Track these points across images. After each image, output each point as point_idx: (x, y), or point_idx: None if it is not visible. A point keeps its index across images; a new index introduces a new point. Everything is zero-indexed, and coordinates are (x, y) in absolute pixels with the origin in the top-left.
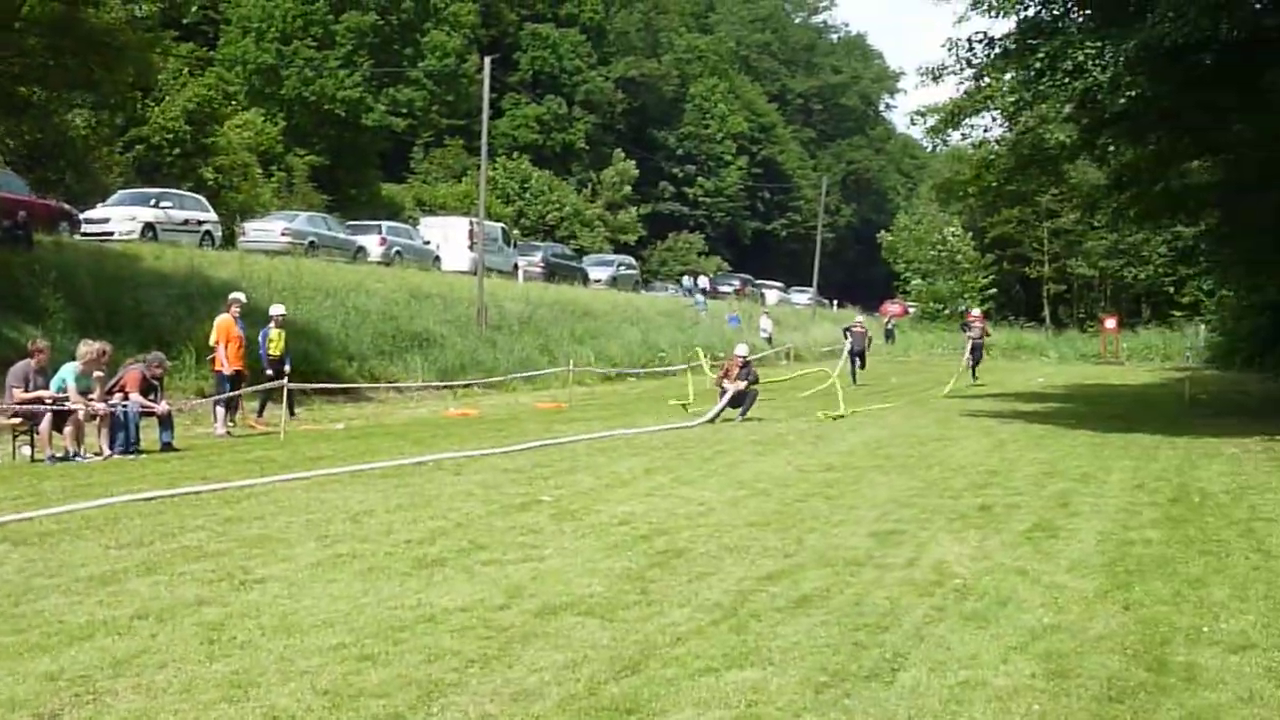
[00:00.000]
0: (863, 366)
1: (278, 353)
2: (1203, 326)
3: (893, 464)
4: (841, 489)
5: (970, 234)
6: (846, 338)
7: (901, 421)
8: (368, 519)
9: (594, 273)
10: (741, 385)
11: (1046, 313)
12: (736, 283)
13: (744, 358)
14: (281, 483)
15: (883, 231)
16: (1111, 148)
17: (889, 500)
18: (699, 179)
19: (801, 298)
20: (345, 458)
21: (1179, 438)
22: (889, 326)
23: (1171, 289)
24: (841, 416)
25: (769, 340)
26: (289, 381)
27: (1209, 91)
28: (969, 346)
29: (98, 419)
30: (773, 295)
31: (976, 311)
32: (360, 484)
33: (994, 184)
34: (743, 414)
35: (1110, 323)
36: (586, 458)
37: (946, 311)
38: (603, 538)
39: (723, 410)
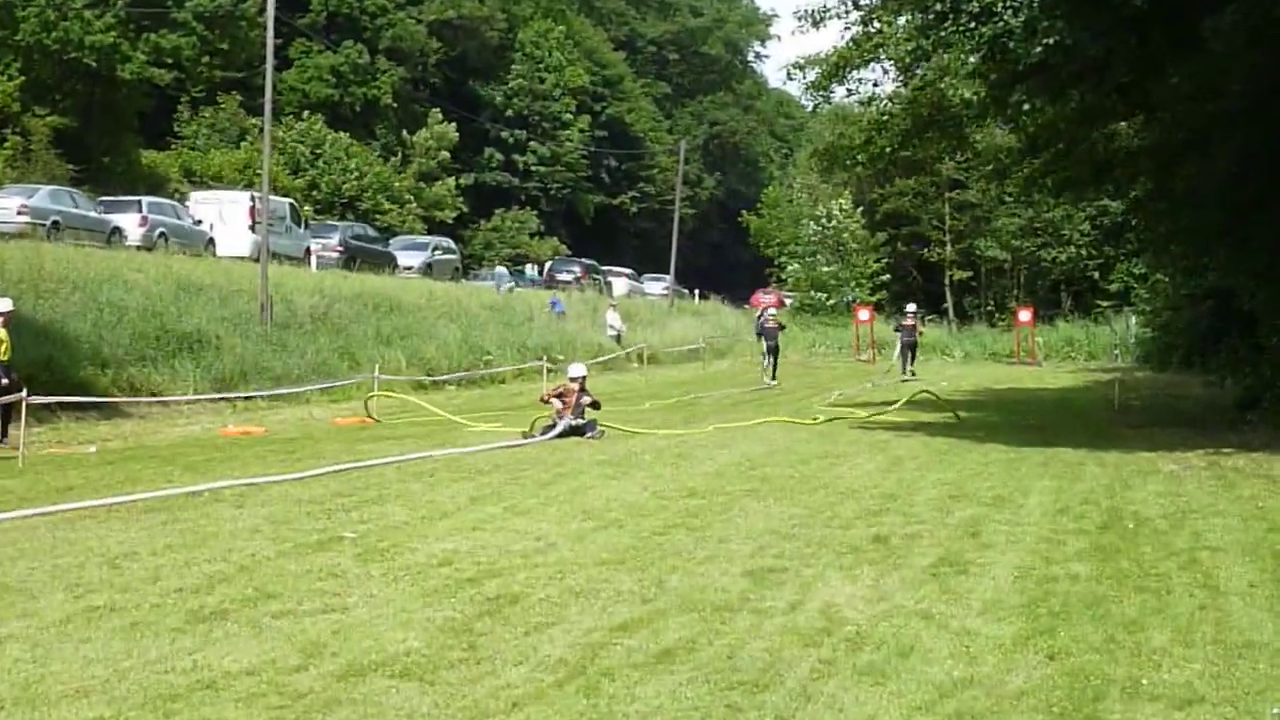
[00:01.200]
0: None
1: (5, 358)
2: (1133, 318)
3: (769, 487)
4: (709, 518)
5: (860, 209)
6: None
7: (780, 436)
8: (129, 563)
9: (403, 258)
10: (579, 422)
11: (949, 303)
12: (577, 269)
13: (581, 378)
14: (20, 520)
15: (745, 213)
16: (1026, 106)
17: (766, 531)
18: (531, 144)
19: (656, 287)
20: (100, 488)
21: (1108, 452)
22: (763, 322)
23: (1096, 274)
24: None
25: (618, 339)
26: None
27: (1140, 39)
28: (899, 344)
29: None
30: (621, 285)
31: (911, 307)
32: (119, 520)
33: (887, 149)
34: (593, 436)
35: (1025, 315)
36: (398, 484)
37: (831, 302)
38: (419, 582)
39: (559, 434)
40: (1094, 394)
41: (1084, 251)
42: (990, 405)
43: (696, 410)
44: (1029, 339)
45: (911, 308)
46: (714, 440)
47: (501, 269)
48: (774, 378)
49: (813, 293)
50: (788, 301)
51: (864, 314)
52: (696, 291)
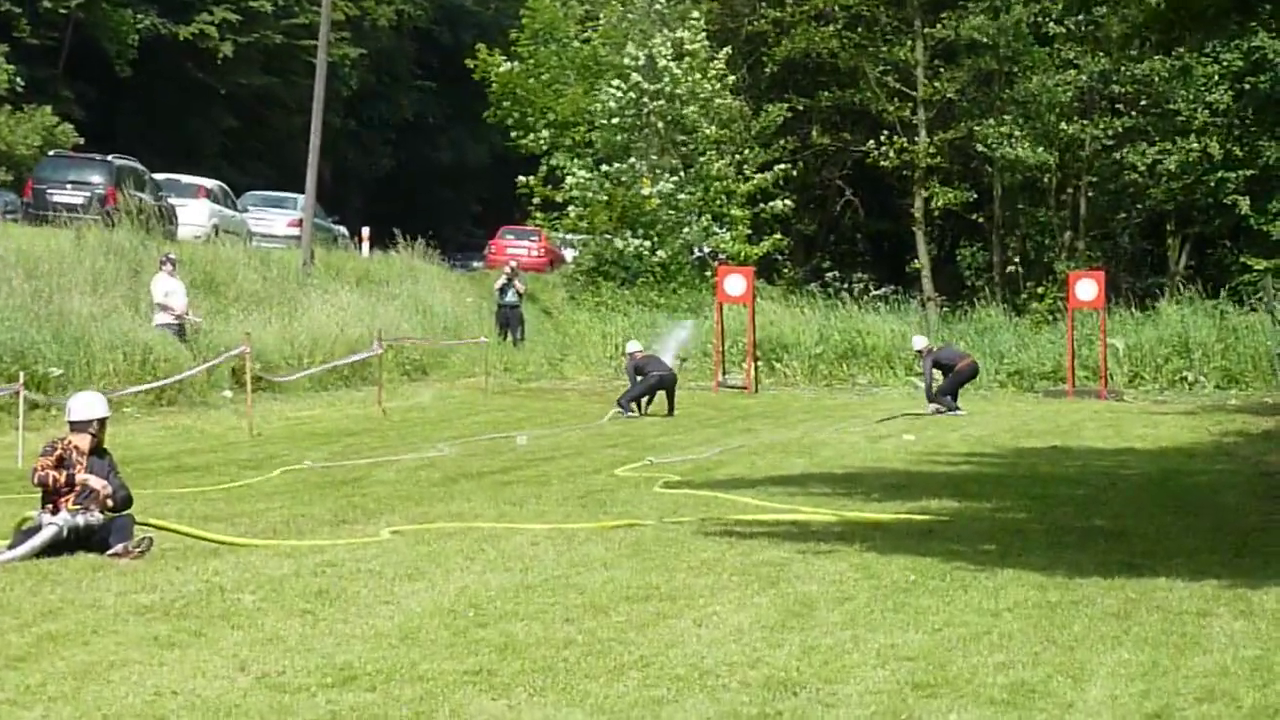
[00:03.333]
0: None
1: None
2: None
3: (519, 667)
4: None
5: (727, 53)
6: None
7: (550, 550)
8: None
9: None
10: (94, 519)
11: (923, 263)
12: (97, 178)
13: (93, 424)
14: None
15: (482, 51)
16: None
17: None
18: None
19: (277, 221)
20: None
21: (1259, 591)
22: (503, 292)
23: (1243, 202)
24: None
25: (181, 333)
26: None
27: None
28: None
29: None
30: (197, 212)
31: (922, 340)
32: None
33: None
34: (129, 548)
35: (1087, 289)
36: None
37: (662, 258)
38: None
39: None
40: (1229, 462)
41: (1217, 152)
42: (1010, 485)
43: (363, 491)
44: (1096, 343)
45: (920, 341)
46: (397, 560)
47: None
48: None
49: (623, 239)
50: (568, 257)
51: (737, 284)
52: (366, 233)
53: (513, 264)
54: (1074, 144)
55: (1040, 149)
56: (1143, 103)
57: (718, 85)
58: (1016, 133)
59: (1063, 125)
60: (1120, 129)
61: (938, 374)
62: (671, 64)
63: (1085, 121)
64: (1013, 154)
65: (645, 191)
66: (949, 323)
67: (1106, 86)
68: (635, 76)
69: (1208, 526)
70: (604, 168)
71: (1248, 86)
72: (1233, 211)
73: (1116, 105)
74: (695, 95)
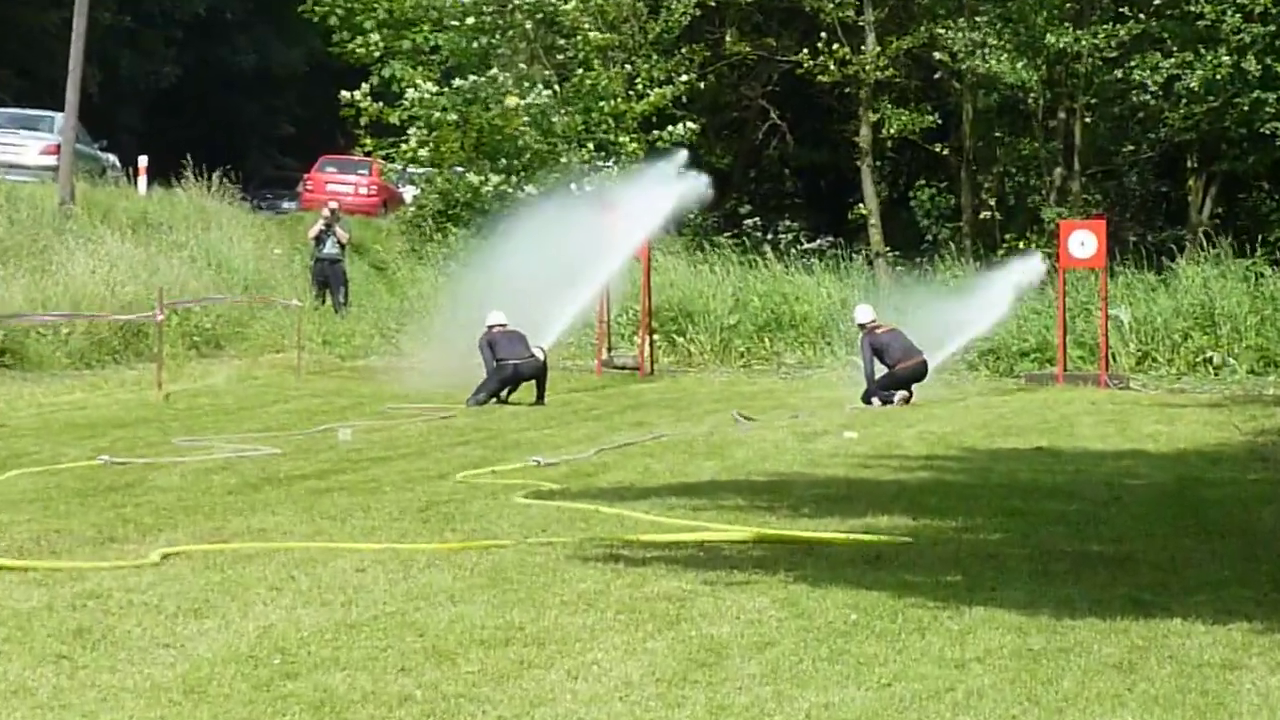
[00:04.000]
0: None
1: None
2: None
3: None
4: None
5: None
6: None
7: (384, 583)
8: None
9: None
10: None
11: (871, 209)
12: None
13: None
14: None
15: None
16: None
17: None
18: None
19: (30, 148)
20: None
21: None
22: (320, 242)
23: None
24: None
25: None
26: None
27: None
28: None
29: None
30: None
31: (867, 312)
32: None
33: None
34: None
35: (1083, 243)
36: None
37: (527, 198)
38: None
39: None
40: (1265, 469)
41: (1253, 67)
42: (982, 498)
43: (137, 500)
44: (1095, 313)
45: (864, 313)
46: (180, 590)
47: None
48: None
49: (480, 173)
50: (407, 196)
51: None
52: (143, 164)
53: (333, 205)
54: (1066, 56)
55: (1023, 62)
56: (1156, 2)
57: None
58: (992, 41)
59: (1050, 37)
60: (1127, 37)
61: (878, 363)
62: None
63: (1081, 31)
64: (986, 67)
65: (510, 105)
66: (905, 287)
67: None
68: None
69: (1237, 552)
70: (456, 82)
71: None
72: (1273, 144)
73: (1121, 7)
74: None
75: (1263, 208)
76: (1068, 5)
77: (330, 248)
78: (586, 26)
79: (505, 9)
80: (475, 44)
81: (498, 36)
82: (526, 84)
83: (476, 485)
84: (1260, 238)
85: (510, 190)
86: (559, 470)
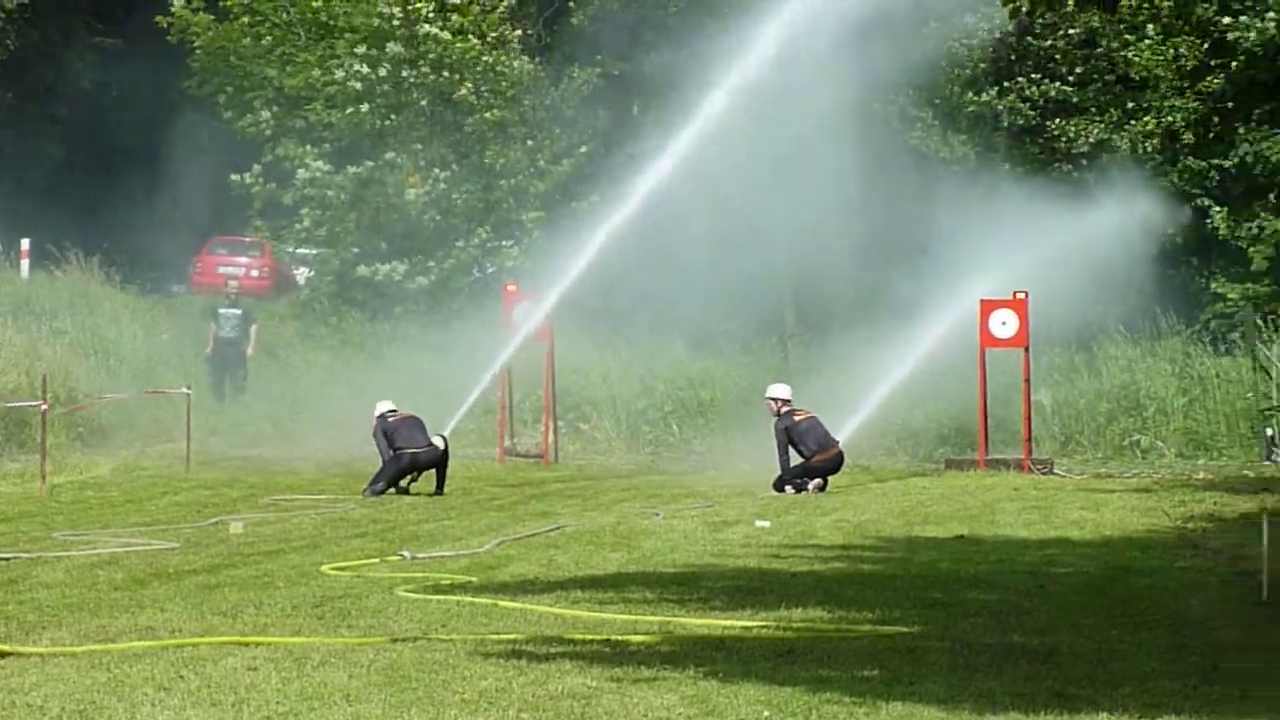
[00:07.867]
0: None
1: None
2: None
3: None
4: None
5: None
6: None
7: (276, 682)
8: None
9: None
10: None
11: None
12: None
13: None
14: None
15: None
16: None
17: None
18: None
19: None
20: None
21: None
22: (221, 322)
23: (1220, 217)
24: None
25: None
26: None
27: None
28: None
29: None
30: None
31: (784, 390)
32: None
33: None
34: None
35: (1003, 321)
36: None
37: (423, 284)
38: None
39: None
40: (1195, 556)
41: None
42: (900, 588)
43: (19, 596)
44: (1016, 396)
45: (781, 390)
46: (64, 691)
47: None
48: None
49: (373, 263)
50: (300, 278)
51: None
52: (25, 246)
53: (233, 283)
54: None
55: None
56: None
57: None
58: None
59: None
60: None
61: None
62: (434, 28)
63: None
64: None
65: (411, 193)
66: (815, 367)
67: None
68: (392, 46)
69: (1166, 643)
70: (350, 169)
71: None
72: (1201, 219)
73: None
74: (467, 61)
75: (1190, 286)
76: None
77: (229, 330)
78: (480, 102)
79: (402, 86)
80: (369, 123)
81: (394, 117)
82: (424, 163)
83: (376, 580)
84: (1190, 317)
85: (400, 280)
86: (459, 563)
